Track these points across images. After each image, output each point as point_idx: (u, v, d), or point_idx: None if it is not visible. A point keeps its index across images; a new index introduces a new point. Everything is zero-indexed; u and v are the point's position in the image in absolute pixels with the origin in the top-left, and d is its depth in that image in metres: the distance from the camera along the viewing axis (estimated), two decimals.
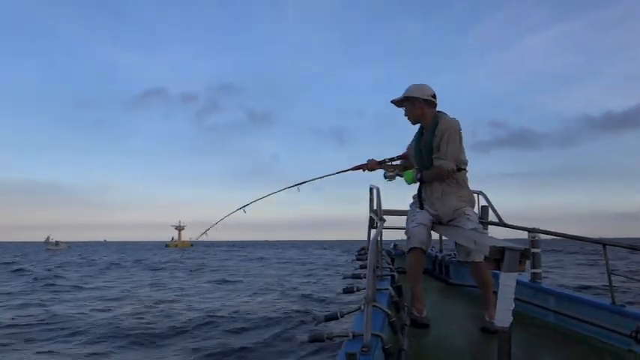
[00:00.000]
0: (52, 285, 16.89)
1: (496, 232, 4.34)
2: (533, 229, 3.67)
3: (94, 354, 6.84)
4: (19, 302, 12.23)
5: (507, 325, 1.56)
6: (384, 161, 3.43)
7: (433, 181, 3.22)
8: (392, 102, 3.35)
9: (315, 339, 1.88)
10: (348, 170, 3.39)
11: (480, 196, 4.48)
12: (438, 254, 5.44)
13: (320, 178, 3.49)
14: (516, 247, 1.71)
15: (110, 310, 10.84)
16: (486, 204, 4.40)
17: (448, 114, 3.25)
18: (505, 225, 4.16)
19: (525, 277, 3.78)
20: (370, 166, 3.43)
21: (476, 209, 4.43)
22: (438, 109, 3.27)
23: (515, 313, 3.45)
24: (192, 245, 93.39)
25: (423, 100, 3.21)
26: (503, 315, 1.57)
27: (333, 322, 2.22)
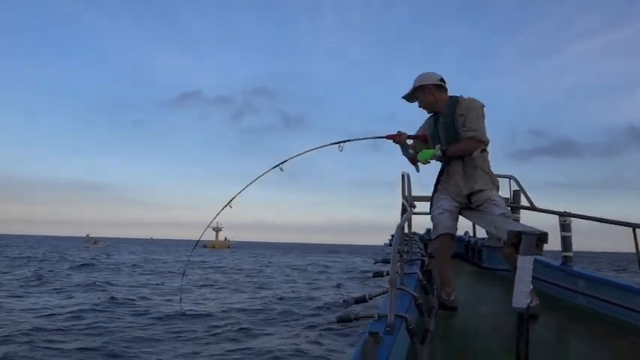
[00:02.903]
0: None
1: (528, 216, 4.32)
2: (564, 212, 3.65)
3: None
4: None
5: (524, 306, 1.58)
6: (410, 137, 3.41)
7: (454, 161, 3.19)
8: (403, 98, 3.36)
9: (342, 320, 1.99)
10: (382, 137, 3.39)
11: (511, 180, 4.47)
12: (470, 239, 5.43)
13: (359, 139, 3.43)
14: (533, 231, 1.75)
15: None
16: (518, 188, 4.38)
17: (463, 95, 3.22)
18: (536, 209, 4.13)
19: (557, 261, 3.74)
20: (401, 138, 3.39)
21: (507, 194, 4.44)
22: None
23: (545, 296, 3.44)
24: (229, 247, 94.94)
25: (433, 85, 3.21)
26: (520, 297, 1.60)
27: (362, 305, 2.31)
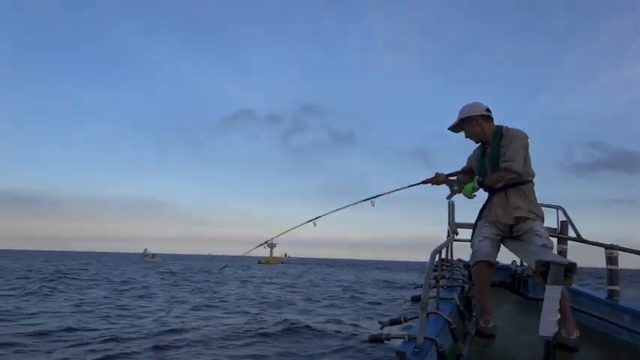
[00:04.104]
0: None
1: (575, 248, 4.33)
2: (611, 245, 3.64)
3: None
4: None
5: (551, 334, 1.64)
6: (449, 175, 3.51)
7: (497, 190, 3.20)
8: (449, 129, 3.41)
9: (374, 339, 2.10)
10: (419, 184, 3.51)
11: (559, 211, 4.47)
12: (517, 268, 5.41)
13: (392, 192, 3.62)
14: (561, 262, 1.80)
15: None
16: (565, 219, 4.39)
17: (511, 127, 3.23)
18: (583, 241, 4.13)
19: (603, 294, 3.74)
20: (438, 179, 3.51)
21: (554, 224, 4.46)
22: (497, 123, 3.28)
23: (589, 329, 3.47)
24: (282, 263, 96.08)
25: (479, 116, 3.25)
26: (546, 325, 1.66)
27: (397, 327, 2.38)
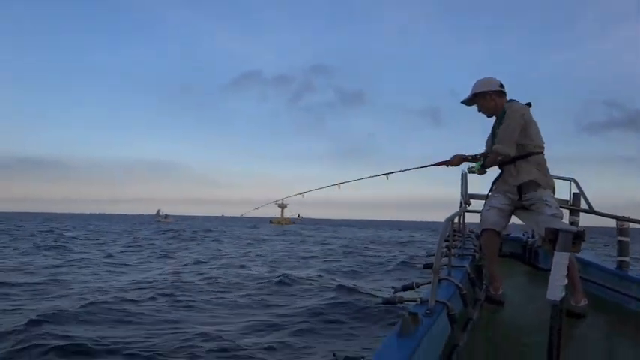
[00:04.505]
0: None
1: (587, 220, 4.41)
2: (622, 217, 3.70)
3: None
4: None
5: (558, 299, 1.70)
6: (467, 157, 3.57)
7: (506, 163, 3.25)
8: (462, 102, 3.46)
9: (388, 301, 2.24)
10: (433, 165, 3.59)
11: (572, 183, 4.52)
12: (528, 239, 5.51)
13: (407, 170, 3.72)
14: (570, 229, 1.86)
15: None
16: (578, 191, 4.44)
17: (518, 101, 3.29)
18: (595, 212, 4.19)
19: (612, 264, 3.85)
20: (454, 161, 3.57)
21: (566, 196, 4.52)
22: (509, 97, 3.32)
23: (597, 299, 3.59)
24: (293, 223, 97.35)
25: (493, 92, 3.30)
26: (554, 290, 1.72)
27: (409, 292, 2.49)
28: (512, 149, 3.16)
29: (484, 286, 3.33)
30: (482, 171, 3.41)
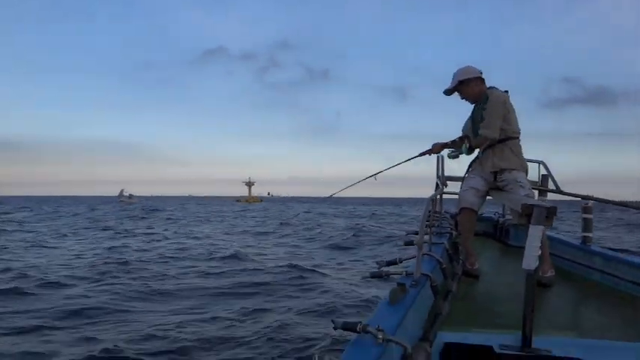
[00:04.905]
0: None
1: (554, 199, 4.71)
2: (587, 196, 3.96)
3: None
4: None
5: (532, 268, 1.93)
6: (446, 144, 3.72)
7: (486, 150, 3.48)
8: (444, 92, 3.61)
9: (374, 275, 2.44)
10: (417, 157, 3.72)
11: (540, 165, 4.80)
12: (499, 218, 5.83)
13: (393, 167, 3.84)
14: (544, 205, 2.10)
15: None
16: (546, 173, 4.73)
17: (499, 88, 3.48)
18: (562, 192, 4.49)
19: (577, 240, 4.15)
20: (435, 149, 3.72)
21: (536, 177, 4.80)
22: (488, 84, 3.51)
23: (563, 271, 3.87)
24: (261, 200, 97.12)
25: (476, 78, 3.48)
26: (529, 260, 1.94)
27: (393, 267, 2.69)
28: (497, 133, 3.37)
29: (460, 261, 3.57)
30: (470, 152, 3.59)
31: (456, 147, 3.67)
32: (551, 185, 4.59)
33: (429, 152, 3.73)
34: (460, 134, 3.77)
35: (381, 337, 1.41)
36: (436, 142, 3.75)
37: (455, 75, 3.56)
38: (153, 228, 23.66)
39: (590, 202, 4.00)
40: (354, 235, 19.05)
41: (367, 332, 1.44)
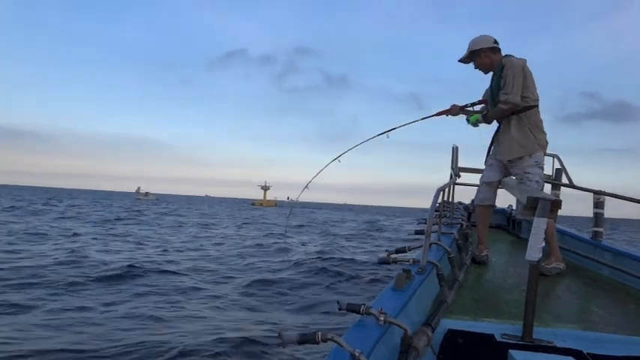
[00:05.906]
0: None
1: (567, 193, 4.72)
2: (599, 191, 3.99)
3: None
4: None
5: (536, 259, 1.95)
6: (465, 106, 3.64)
7: (503, 124, 3.39)
8: (459, 61, 3.53)
9: (383, 262, 2.49)
10: (433, 116, 3.65)
11: (555, 159, 4.83)
12: (512, 212, 5.85)
13: (407, 124, 3.77)
14: (548, 198, 2.12)
15: None
16: (560, 167, 4.75)
17: (515, 56, 3.37)
18: (574, 187, 4.50)
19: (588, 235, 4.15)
20: (453, 111, 3.64)
21: (550, 171, 4.81)
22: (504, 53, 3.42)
23: (573, 266, 3.87)
24: (276, 205, 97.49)
25: (488, 48, 3.39)
26: (533, 251, 1.96)
27: (402, 254, 2.74)
28: (519, 98, 3.23)
29: (469, 252, 3.60)
30: (480, 121, 3.52)
31: (470, 114, 3.62)
32: (564, 180, 4.61)
33: (446, 112, 3.67)
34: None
35: (382, 319, 1.45)
36: (454, 103, 3.68)
37: (469, 44, 3.51)
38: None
39: (602, 197, 4.01)
40: None
41: (370, 314, 1.46)
